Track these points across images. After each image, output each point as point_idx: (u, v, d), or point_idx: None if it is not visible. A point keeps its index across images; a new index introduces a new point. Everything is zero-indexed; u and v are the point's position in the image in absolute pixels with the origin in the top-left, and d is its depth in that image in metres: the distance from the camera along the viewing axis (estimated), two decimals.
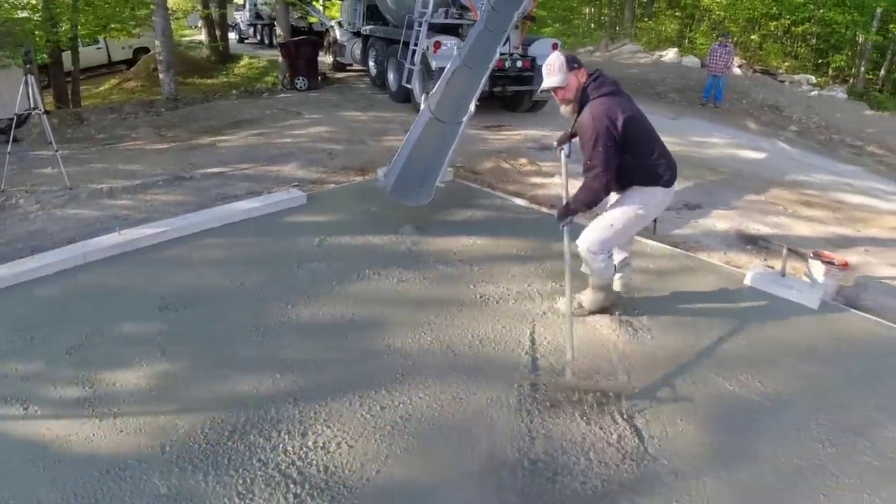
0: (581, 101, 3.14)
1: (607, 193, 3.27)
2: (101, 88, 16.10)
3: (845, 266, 4.25)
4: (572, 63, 3.11)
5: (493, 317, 3.64)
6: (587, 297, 3.63)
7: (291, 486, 2.34)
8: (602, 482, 2.46)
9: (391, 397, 2.87)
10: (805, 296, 3.96)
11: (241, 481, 2.35)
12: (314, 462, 2.46)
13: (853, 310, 4.02)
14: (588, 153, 3.10)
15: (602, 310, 3.63)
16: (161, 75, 11.43)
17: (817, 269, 4.22)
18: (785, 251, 4.22)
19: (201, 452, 2.50)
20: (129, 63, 18.41)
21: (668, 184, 3.30)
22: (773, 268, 4.32)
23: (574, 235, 3.46)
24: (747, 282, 4.19)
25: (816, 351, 3.44)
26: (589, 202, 3.22)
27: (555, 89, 3.15)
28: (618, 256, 3.71)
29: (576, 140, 3.37)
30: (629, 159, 3.15)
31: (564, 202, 3.38)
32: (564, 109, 3.27)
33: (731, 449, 2.66)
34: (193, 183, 6.13)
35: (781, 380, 3.15)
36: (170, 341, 3.26)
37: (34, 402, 2.80)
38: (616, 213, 3.33)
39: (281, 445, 2.55)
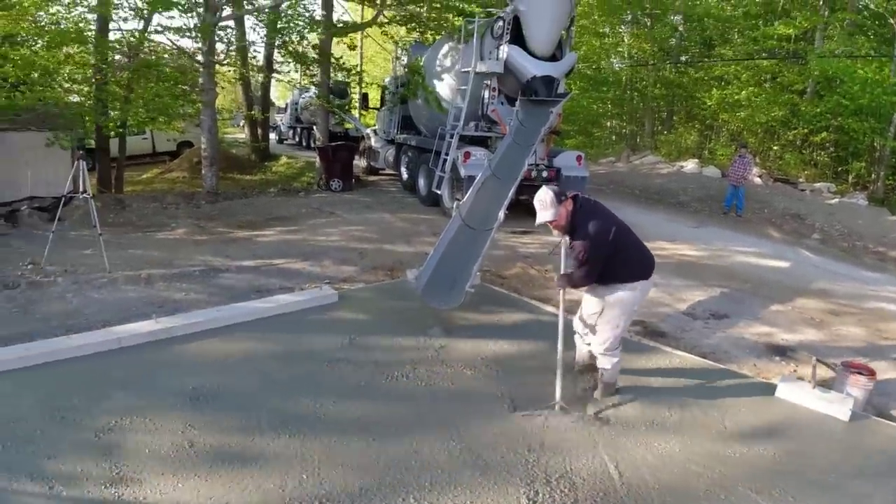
0: (571, 224, 3.71)
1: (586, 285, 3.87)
2: (144, 176, 16.68)
3: (874, 375, 4.19)
4: (560, 196, 3.68)
5: (522, 425, 3.63)
6: (600, 393, 4.05)
7: None
8: None
9: None
10: (835, 407, 3.92)
11: None
12: None
13: (883, 420, 3.97)
14: (576, 265, 3.73)
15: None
16: (204, 170, 11.99)
17: (847, 379, 4.17)
18: (814, 361, 4.20)
19: None
20: (173, 155, 19.16)
21: (648, 276, 3.90)
22: (802, 378, 4.27)
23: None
24: (778, 393, 4.16)
25: (849, 463, 3.39)
26: (575, 288, 3.92)
27: (549, 221, 3.70)
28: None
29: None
30: (617, 262, 3.73)
31: (563, 272, 3.99)
32: (557, 234, 3.91)
33: None
34: (229, 275, 6.36)
35: (814, 496, 3.08)
36: (198, 433, 3.31)
37: (59, 482, 2.85)
38: (612, 316, 3.86)
39: None
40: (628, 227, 3.90)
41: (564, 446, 3.43)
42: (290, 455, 3.18)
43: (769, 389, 4.23)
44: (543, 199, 3.66)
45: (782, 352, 5.20)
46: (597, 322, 3.94)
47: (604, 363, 3.98)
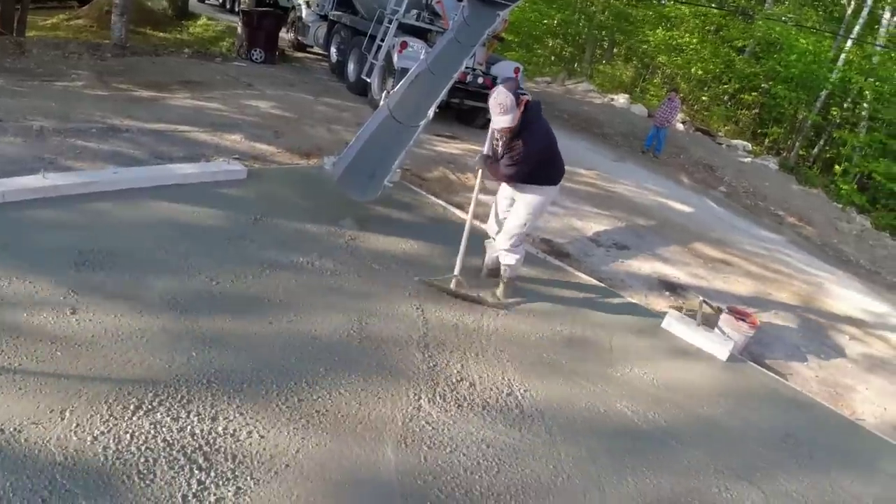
0: (519, 125, 3.64)
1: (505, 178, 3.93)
2: (49, 22, 15.08)
3: (755, 324, 4.54)
4: (518, 98, 3.53)
5: (424, 325, 3.66)
6: (502, 291, 4.22)
7: (196, 471, 2.26)
8: (512, 487, 2.54)
9: (310, 390, 2.83)
10: (715, 347, 4.22)
11: (142, 460, 2.25)
12: (222, 449, 2.39)
13: (757, 366, 4.32)
14: (511, 159, 3.70)
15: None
16: (114, 18, 10.80)
17: (730, 323, 4.48)
18: (701, 300, 4.47)
19: (103, 424, 2.37)
20: (82, 2, 17.32)
21: (558, 182, 4.09)
22: (688, 315, 4.56)
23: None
24: (664, 325, 4.42)
25: (720, 400, 3.68)
26: (493, 178, 4.03)
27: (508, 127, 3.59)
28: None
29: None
30: (542, 164, 3.85)
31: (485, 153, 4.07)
32: (503, 134, 3.74)
33: (635, 480, 2.80)
34: (129, 136, 5.83)
35: (685, 422, 3.35)
36: (82, 300, 3.07)
37: None
38: (522, 214, 4.01)
39: (189, 427, 2.45)
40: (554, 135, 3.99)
41: (459, 347, 3.52)
42: (180, 331, 3.03)
43: (656, 319, 4.49)
44: (504, 103, 3.48)
45: (672, 288, 5.51)
46: (506, 217, 4.13)
47: (507, 259, 4.13)
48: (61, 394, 2.47)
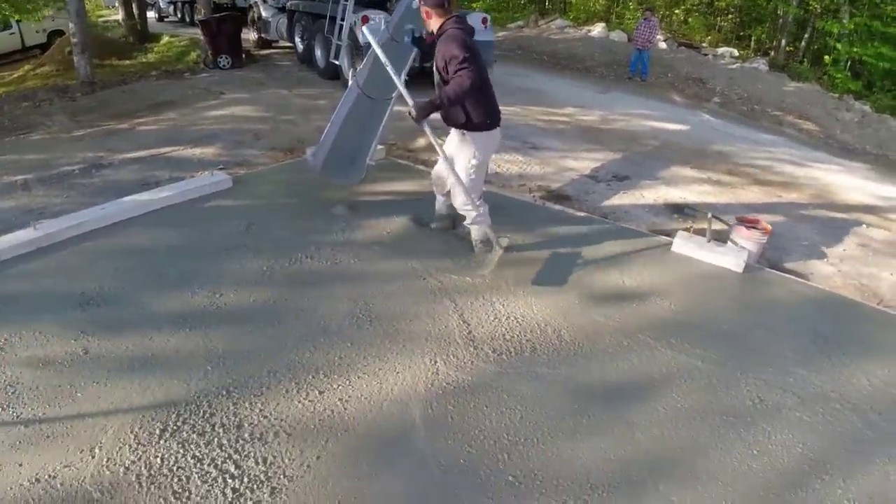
0: (442, 31, 3.55)
1: (473, 89, 3.44)
2: (15, 75, 15.00)
3: (768, 230, 4.44)
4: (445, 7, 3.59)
5: (429, 291, 3.64)
6: (478, 258, 4.04)
7: (229, 480, 2.27)
8: (538, 430, 2.54)
9: (329, 380, 2.83)
10: (729, 260, 4.14)
11: (175, 480, 2.27)
12: (251, 454, 2.40)
13: (776, 271, 4.24)
14: (456, 59, 3.39)
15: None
16: (76, 58, 10.76)
17: (741, 233, 4.40)
18: (710, 217, 4.38)
19: (133, 453, 2.39)
20: (44, 48, 17.24)
21: (493, 127, 3.75)
22: (698, 234, 4.48)
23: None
24: (674, 248, 4.34)
25: (742, 312, 3.62)
26: (457, 95, 3.43)
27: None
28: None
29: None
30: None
31: (421, 101, 3.59)
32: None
33: (666, 405, 2.78)
34: (112, 170, 5.82)
35: (710, 341, 3.30)
36: (93, 339, 3.09)
37: None
38: (462, 168, 3.77)
39: (216, 440, 2.47)
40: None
41: (463, 304, 3.51)
42: (192, 349, 3.04)
43: (666, 245, 4.41)
44: None
45: (680, 210, 5.42)
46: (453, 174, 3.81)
47: (466, 221, 4.00)
48: (87, 433, 2.49)
